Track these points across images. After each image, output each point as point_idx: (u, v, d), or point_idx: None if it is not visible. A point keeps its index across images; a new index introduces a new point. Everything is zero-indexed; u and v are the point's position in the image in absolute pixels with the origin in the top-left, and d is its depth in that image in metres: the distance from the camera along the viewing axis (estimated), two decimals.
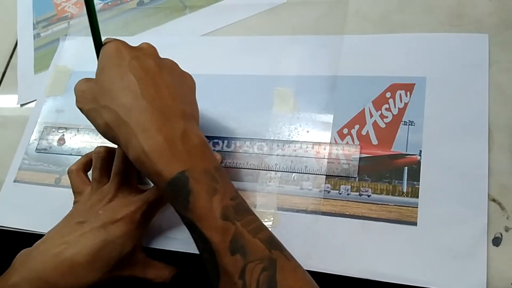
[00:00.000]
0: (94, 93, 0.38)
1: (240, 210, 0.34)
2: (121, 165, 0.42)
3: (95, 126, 0.39)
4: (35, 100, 0.56)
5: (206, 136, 0.37)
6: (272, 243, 0.34)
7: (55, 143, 0.52)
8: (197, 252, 0.42)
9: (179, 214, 0.35)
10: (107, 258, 0.39)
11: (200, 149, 0.36)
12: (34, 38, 0.62)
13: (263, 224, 0.35)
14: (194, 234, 0.35)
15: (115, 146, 0.43)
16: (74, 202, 0.44)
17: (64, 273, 0.38)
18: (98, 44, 0.41)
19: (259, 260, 0.32)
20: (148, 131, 0.35)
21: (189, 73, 0.42)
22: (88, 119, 0.40)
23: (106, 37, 0.41)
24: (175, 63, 0.41)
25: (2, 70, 0.60)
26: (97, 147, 0.44)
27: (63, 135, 0.52)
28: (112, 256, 0.39)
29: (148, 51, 0.40)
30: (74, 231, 0.40)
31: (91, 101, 0.38)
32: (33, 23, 0.63)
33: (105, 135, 0.39)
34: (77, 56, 0.57)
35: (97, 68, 0.39)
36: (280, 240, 0.35)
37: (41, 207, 0.49)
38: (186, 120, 0.37)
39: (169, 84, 0.38)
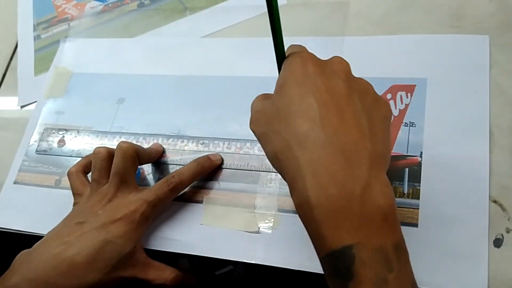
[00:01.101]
0: (269, 114, 0.32)
1: None
2: (120, 165, 0.42)
3: (265, 153, 0.33)
4: (35, 101, 0.56)
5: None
6: None
7: (55, 145, 0.52)
8: (197, 253, 0.42)
9: None
10: (107, 258, 0.39)
11: (382, 215, 0.27)
12: (34, 40, 0.61)
13: None
14: None
15: (114, 147, 0.43)
16: (74, 204, 0.44)
17: (64, 274, 0.38)
18: (281, 55, 0.34)
19: None
20: (319, 176, 0.28)
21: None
22: (260, 143, 0.33)
23: (289, 45, 0.34)
24: (370, 85, 0.33)
25: (2, 72, 0.60)
26: (97, 147, 0.44)
27: (63, 136, 0.52)
28: (112, 256, 0.39)
29: (338, 67, 0.32)
30: (73, 231, 0.40)
31: (265, 123, 0.32)
32: (34, 25, 0.63)
33: (273, 165, 0.32)
34: (78, 57, 0.57)
35: (276, 84, 0.33)
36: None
37: (41, 209, 0.49)
38: (373, 165, 0.29)
39: (358, 113, 0.30)
